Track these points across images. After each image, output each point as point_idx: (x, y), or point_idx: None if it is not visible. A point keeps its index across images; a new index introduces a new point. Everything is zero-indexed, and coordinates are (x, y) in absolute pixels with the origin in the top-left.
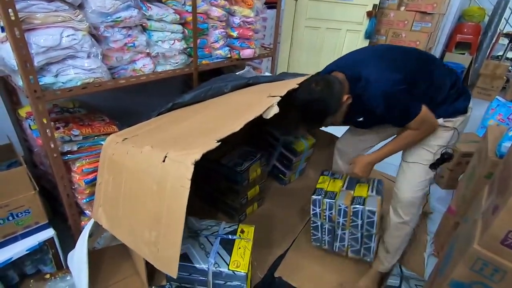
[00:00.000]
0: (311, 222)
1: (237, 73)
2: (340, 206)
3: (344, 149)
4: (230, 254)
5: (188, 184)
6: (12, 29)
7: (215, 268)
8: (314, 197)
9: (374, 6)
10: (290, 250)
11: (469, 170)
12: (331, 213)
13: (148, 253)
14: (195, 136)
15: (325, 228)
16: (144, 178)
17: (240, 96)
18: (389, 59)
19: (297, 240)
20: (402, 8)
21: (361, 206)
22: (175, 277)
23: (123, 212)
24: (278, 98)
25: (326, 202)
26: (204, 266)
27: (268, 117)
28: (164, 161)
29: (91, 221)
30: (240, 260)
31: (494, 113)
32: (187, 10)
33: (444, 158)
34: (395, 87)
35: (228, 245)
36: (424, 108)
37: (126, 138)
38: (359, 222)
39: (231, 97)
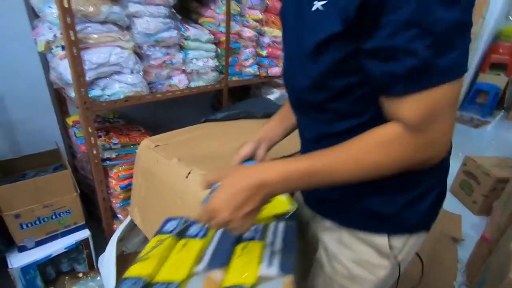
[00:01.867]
0: None
1: (271, 97)
2: None
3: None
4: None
5: None
6: (71, 48)
7: None
8: None
9: None
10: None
11: (505, 196)
12: None
13: None
14: (220, 160)
15: None
16: (170, 190)
17: None
18: None
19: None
20: None
21: None
22: None
23: (153, 217)
24: None
25: None
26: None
27: None
28: (187, 177)
29: (121, 226)
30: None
31: None
32: (221, 31)
33: None
34: None
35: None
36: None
37: (158, 145)
38: None
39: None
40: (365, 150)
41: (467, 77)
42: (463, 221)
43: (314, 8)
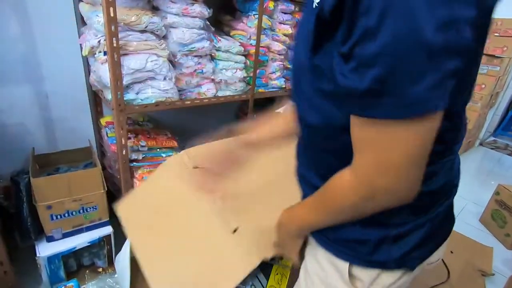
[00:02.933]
0: None
1: None
2: None
3: None
4: (267, 278)
5: None
6: (112, 53)
7: None
8: None
9: None
10: None
11: None
12: None
13: None
14: (264, 203)
15: None
16: (193, 230)
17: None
18: None
19: None
20: None
21: None
22: None
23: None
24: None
25: None
26: (241, 286)
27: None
28: (234, 231)
29: None
30: (277, 286)
31: None
32: (251, 44)
33: None
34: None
35: (266, 269)
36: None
37: (196, 167)
38: None
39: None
40: (327, 197)
41: (502, 103)
42: (494, 255)
43: (313, 6)
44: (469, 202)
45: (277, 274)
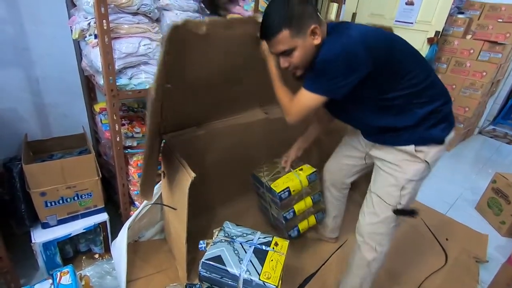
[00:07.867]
0: None
1: None
2: None
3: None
4: (262, 264)
5: None
6: (103, 36)
7: (247, 275)
8: None
9: (437, 32)
10: (319, 273)
11: None
12: None
13: None
14: None
15: None
16: None
17: None
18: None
19: (328, 263)
20: (469, 37)
21: None
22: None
23: None
24: None
25: None
26: (236, 272)
27: None
28: None
29: (132, 217)
30: (271, 272)
31: None
32: None
33: (408, 212)
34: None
35: (261, 256)
36: (316, 97)
37: None
38: None
39: None
40: (284, 93)
41: (503, 91)
42: (489, 242)
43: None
44: (466, 190)
45: (271, 260)
